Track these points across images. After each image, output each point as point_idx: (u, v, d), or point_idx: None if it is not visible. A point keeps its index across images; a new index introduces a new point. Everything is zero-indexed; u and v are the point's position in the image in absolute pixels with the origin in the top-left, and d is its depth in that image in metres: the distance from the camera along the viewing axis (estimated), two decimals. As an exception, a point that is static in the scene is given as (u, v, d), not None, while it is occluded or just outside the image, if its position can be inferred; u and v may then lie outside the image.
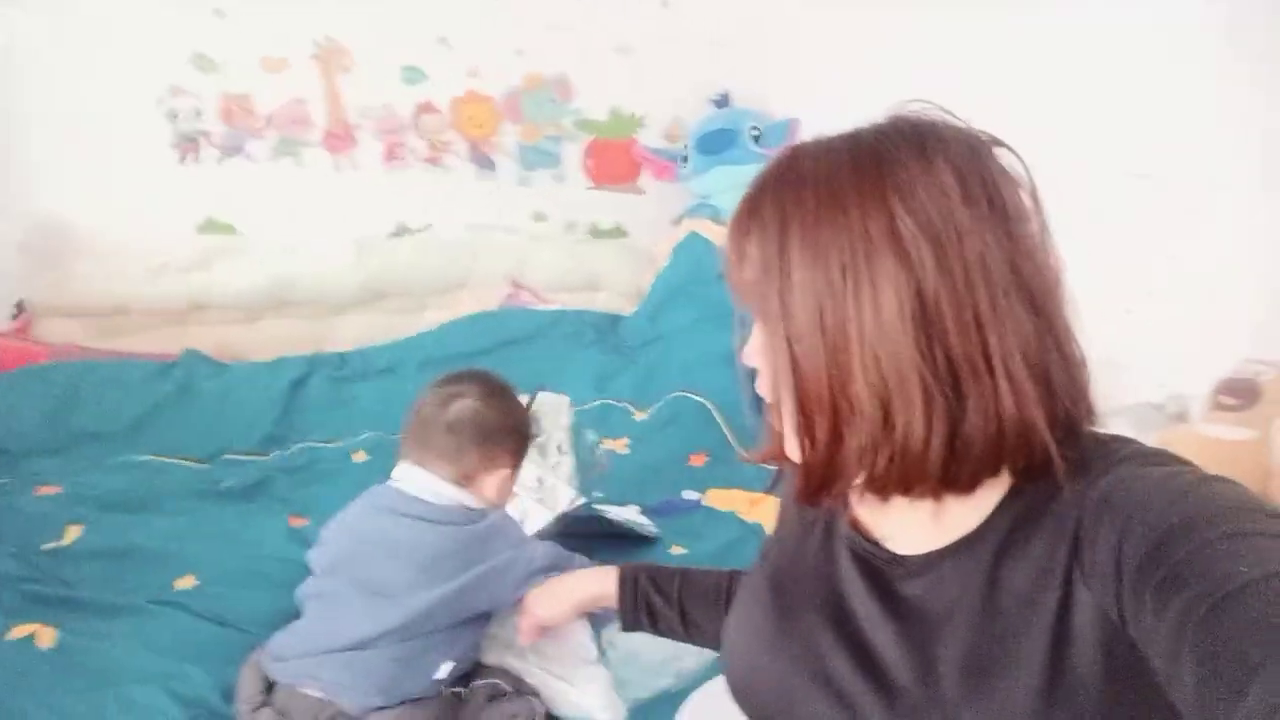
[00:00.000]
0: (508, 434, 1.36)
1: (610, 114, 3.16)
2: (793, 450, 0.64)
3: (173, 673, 1.35)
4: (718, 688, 1.14)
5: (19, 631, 1.49)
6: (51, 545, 1.77)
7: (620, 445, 2.26)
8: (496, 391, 1.37)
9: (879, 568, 0.67)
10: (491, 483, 1.34)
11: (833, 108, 2.62)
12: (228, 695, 1.32)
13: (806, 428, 0.61)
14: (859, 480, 0.61)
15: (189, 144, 2.79)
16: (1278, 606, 0.44)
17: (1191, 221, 1.56)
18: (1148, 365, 1.52)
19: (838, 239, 0.57)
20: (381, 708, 1.19)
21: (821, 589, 0.70)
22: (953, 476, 0.58)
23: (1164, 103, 1.60)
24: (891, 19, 2.42)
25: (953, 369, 0.56)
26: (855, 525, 0.70)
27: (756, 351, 0.66)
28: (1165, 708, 0.49)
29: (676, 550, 1.77)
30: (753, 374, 0.67)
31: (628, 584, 1.07)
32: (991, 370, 0.56)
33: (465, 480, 1.32)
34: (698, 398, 2.35)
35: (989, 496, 0.62)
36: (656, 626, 1.05)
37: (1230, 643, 0.44)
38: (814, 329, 0.58)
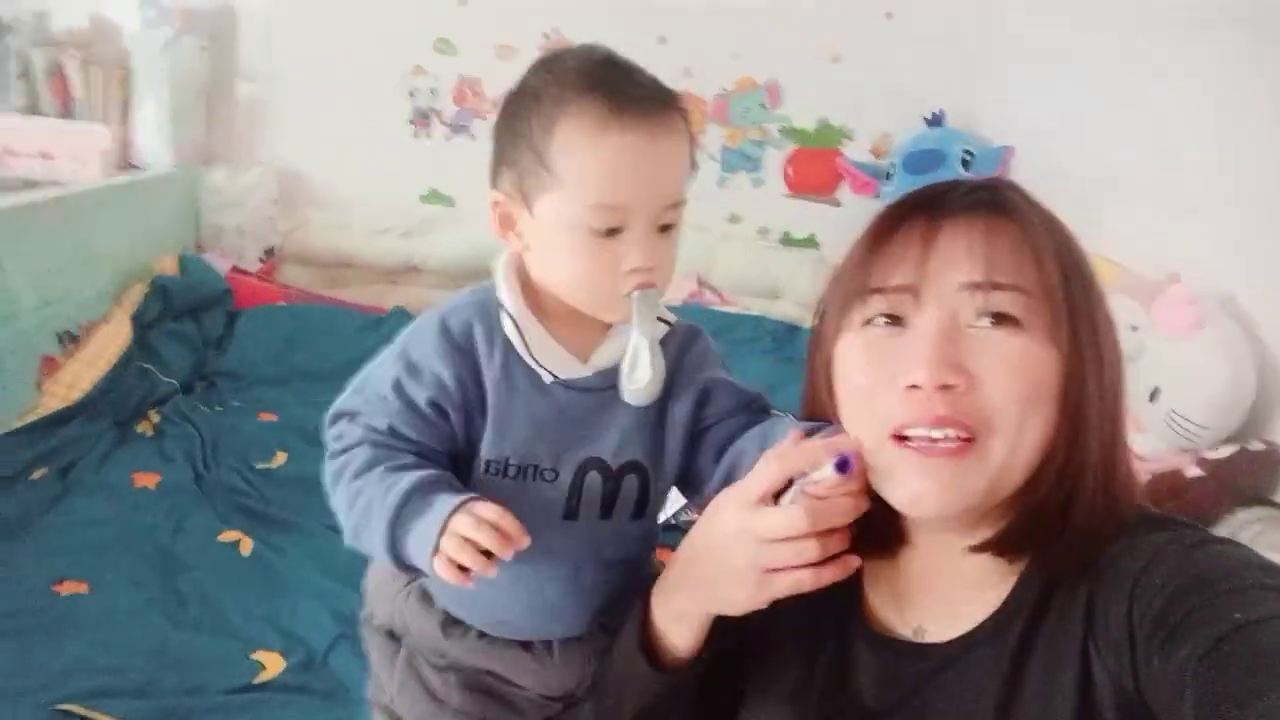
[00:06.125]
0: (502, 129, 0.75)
1: (818, 124, 3.15)
2: (1005, 466, 0.58)
3: (337, 592, 1.54)
4: None
5: (228, 536, 1.75)
6: (263, 466, 2.04)
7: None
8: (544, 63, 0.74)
9: (903, 666, 0.64)
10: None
11: (1049, 139, 2.49)
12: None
13: (1056, 439, 0.59)
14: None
15: (422, 120, 3.06)
16: (1276, 642, 0.46)
17: None
18: None
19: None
20: None
21: (854, 712, 0.66)
22: (1046, 534, 0.59)
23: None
24: (1118, 49, 2.27)
25: (1084, 426, 0.59)
26: (871, 621, 0.69)
27: (1004, 361, 0.58)
28: None
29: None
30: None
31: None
32: (1107, 442, 0.60)
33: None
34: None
35: (1011, 568, 0.62)
36: None
37: (1230, 674, 0.46)
38: (1102, 344, 0.60)
